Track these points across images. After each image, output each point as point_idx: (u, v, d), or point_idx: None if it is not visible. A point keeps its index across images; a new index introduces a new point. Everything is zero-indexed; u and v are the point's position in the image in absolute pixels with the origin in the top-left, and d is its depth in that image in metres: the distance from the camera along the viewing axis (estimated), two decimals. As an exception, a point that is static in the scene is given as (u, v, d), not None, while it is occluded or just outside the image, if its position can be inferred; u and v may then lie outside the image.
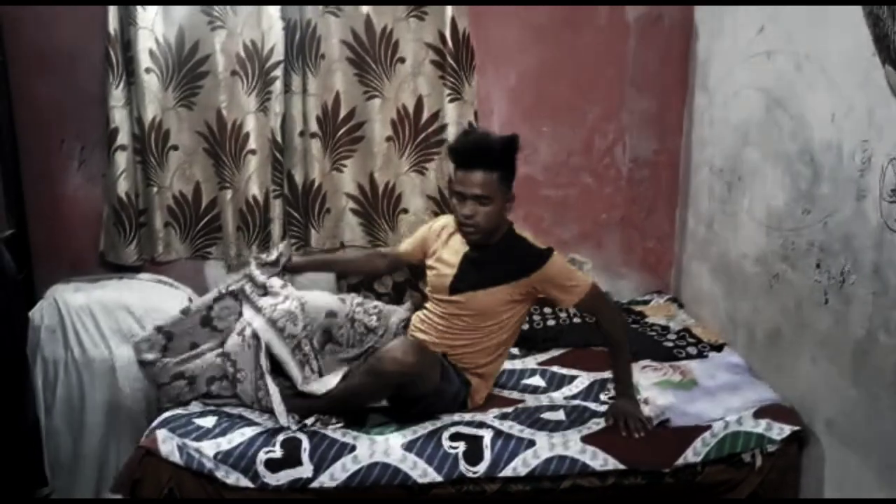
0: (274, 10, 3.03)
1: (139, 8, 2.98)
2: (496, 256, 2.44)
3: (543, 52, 3.30)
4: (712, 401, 2.46)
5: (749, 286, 2.74)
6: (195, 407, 2.41)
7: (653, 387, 2.57)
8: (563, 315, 3.20)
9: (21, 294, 2.76)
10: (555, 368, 2.85)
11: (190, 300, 3.17)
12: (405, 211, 3.39)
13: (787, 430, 2.30)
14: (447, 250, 2.56)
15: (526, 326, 3.10)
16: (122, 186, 3.12)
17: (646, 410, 2.41)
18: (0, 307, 2.42)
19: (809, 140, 2.32)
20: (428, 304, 2.64)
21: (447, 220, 2.65)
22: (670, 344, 2.92)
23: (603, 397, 2.60)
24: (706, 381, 2.59)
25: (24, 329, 2.69)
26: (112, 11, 2.96)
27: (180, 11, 3.04)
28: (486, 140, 2.40)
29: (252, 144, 3.19)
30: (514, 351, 2.95)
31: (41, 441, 2.74)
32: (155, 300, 3.01)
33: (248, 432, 2.26)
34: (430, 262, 2.63)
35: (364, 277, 3.29)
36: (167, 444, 2.17)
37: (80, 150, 3.16)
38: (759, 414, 2.37)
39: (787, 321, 2.47)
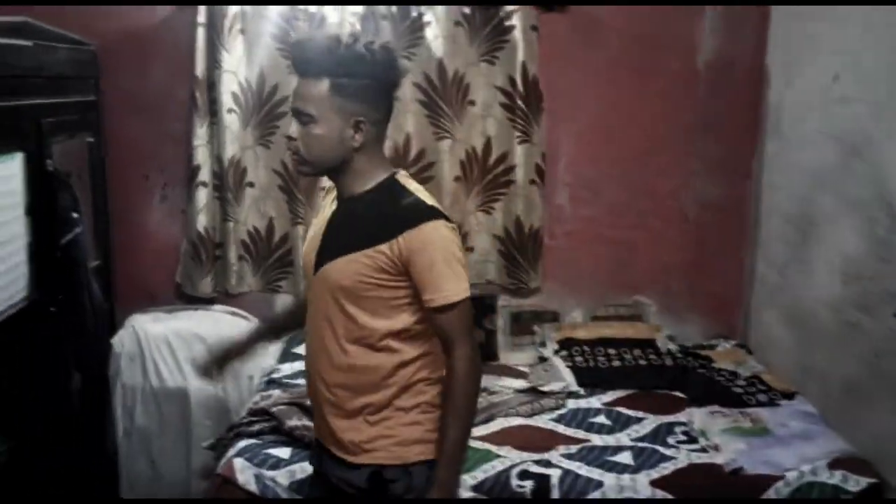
0: (351, 54, 3.14)
1: (224, 52, 3.12)
2: (363, 212, 1.73)
3: (612, 97, 3.34)
4: (786, 449, 2.43)
5: (823, 334, 2.71)
6: (270, 437, 2.47)
7: (723, 433, 2.54)
8: (627, 356, 3.19)
9: (107, 322, 2.88)
10: (620, 409, 2.85)
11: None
12: (471, 250, 3.43)
13: (864, 482, 2.26)
14: (318, 218, 1.86)
15: (591, 364, 3.11)
16: (201, 221, 3.24)
17: (717, 458, 2.39)
18: (89, 334, 2.54)
19: (887, 188, 2.30)
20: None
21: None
22: (740, 390, 2.89)
23: (671, 441, 2.58)
24: (778, 430, 2.56)
25: (107, 356, 2.81)
26: (199, 56, 3.10)
27: (262, 55, 3.17)
28: (314, 39, 1.72)
29: (324, 182, 3.26)
30: (580, 390, 2.96)
31: (118, 464, 2.83)
32: (228, 332, 3.08)
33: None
34: None
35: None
36: (244, 473, 2.23)
37: (163, 186, 3.30)
38: (834, 465, 2.33)
39: (863, 371, 2.43)
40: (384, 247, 1.65)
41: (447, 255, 1.65)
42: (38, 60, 2.41)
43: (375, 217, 1.70)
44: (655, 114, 3.36)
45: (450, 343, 1.69)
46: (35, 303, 2.37)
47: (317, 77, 1.66)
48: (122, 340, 2.98)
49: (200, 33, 3.08)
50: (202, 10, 3.06)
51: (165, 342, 2.98)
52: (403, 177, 1.76)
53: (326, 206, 1.84)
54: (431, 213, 1.67)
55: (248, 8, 3.11)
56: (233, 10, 3.08)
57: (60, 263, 2.48)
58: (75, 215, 2.54)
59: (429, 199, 1.71)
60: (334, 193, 1.80)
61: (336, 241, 1.74)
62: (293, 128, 1.70)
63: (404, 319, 1.71)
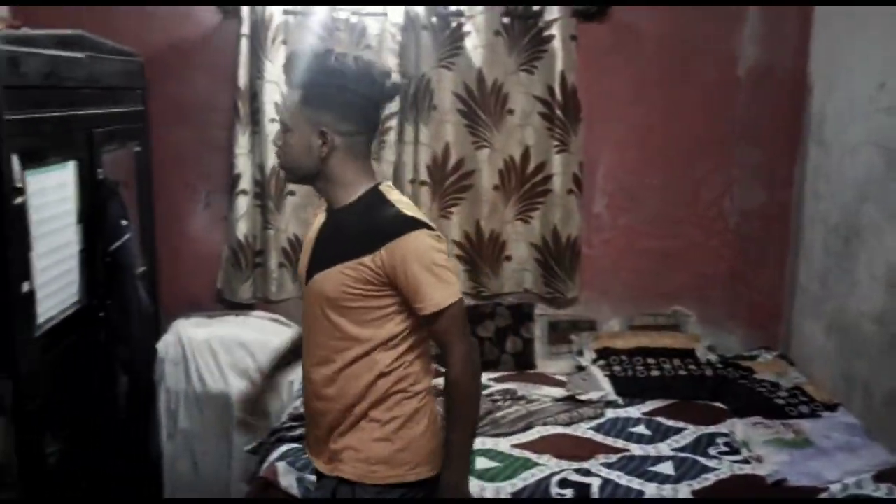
0: (391, 64, 3.17)
1: (267, 62, 3.17)
2: (347, 223, 1.75)
3: (651, 105, 3.34)
4: (829, 461, 2.40)
5: (867, 345, 2.67)
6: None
7: (765, 444, 2.52)
8: (667, 366, 3.17)
9: (153, 327, 2.95)
10: (660, 419, 2.83)
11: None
12: (509, 258, 3.45)
13: (911, 495, 2.22)
14: (311, 230, 1.89)
15: (629, 374, 3.11)
16: (242, 228, 3.29)
17: (760, 470, 2.37)
18: (136, 339, 2.60)
19: (934, 197, 2.27)
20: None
21: None
22: (781, 401, 2.85)
23: (712, 451, 2.56)
24: (821, 441, 2.53)
25: (153, 360, 2.87)
26: (243, 66, 3.16)
27: (304, 65, 3.21)
28: (292, 52, 1.81)
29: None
30: (619, 400, 2.95)
31: (162, 466, 2.88)
32: (269, 338, 3.14)
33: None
34: None
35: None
36: (286, 477, 2.26)
37: (206, 194, 3.36)
38: (879, 478, 2.30)
39: (909, 382, 2.40)
40: (367, 259, 1.67)
41: (430, 263, 1.66)
42: (91, 72, 2.47)
43: (358, 229, 1.72)
44: (695, 122, 3.35)
45: (445, 348, 1.70)
46: (85, 308, 2.44)
47: (293, 88, 1.74)
48: (166, 345, 3.03)
49: (244, 44, 3.14)
50: (246, 21, 3.12)
51: (208, 347, 3.03)
52: (387, 188, 1.77)
53: (318, 218, 1.86)
54: (412, 224, 1.68)
55: (290, 19, 3.17)
56: (276, 21, 3.14)
57: (109, 269, 2.54)
58: (124, 223, 2.61)
59: (409, 210, 1.73)
60: (325, 206, 1.82)
61: (324, 253, 1.77)
62: (276, 135, 1.78)
63: (389, 329, 1.71)
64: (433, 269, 1.66)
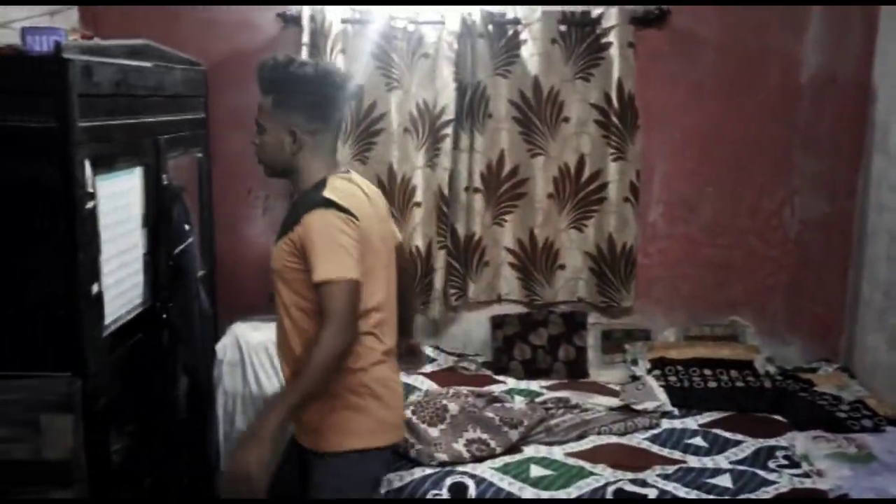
0: (448, 72, 3.20)
1: (326, 70, 3.22)
2: (293, 206, 2.00)
3: (710, 113, 3.30)
4: (894, 477, 2.34)
5: (934, 359, 2.60)
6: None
7: (826, 458, 2.47)
8: (724, 378, 3.12)
9: (212, 330, 3.01)
10: (717, 431, 2.79)
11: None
12: (562, 267, 3.44)
13: (981, 514, 2.15)
14: None
15: (685, 384, 3.07)
16: (299, 234, 3.33)
17: (821, 484, 2.32)
18: (196, 341, 2.65)
19: None
20: None
21: None
22: (843, 415, 2.79)
23: (772, 465, 2.52)
24: (885, 456, 2.47)
25: (212, 362, 2.93)
26: (302, 73, 3.21)
27: (361, 73, 3.25)
28: (262, 62, 1.99)
29: (418, 197, 3.34)
30: (674, 411, 2.92)
31: (219, 467, 2.93)
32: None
33: (418, 472, 2.34)
34: None
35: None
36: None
37: (265, 199, 3.42)
38: (948, 496, 2.23)
39: (980, 398, 2.33)
40: (292, 234, 1.86)
41: (327, 237, 1.82)
42: (157, 80, 2.54)
43: (294, 209, 1.93)
44: (755, 130, 3.30)
45: (323, 319, 1.79)
46: (149, 309, 2.50)
47: (265, 94, 1.96)
48: (224, 348, 3.09)
49: (304, 53, 3.19)
50: (306, 30, 3.17)
51: (265, 350, 3.08)
52: (336, 177, 1.95)
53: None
54: (322, 203, 1.85)
55: (349, 27, 3.21)
56: (335, 30, 3.18)
57: (172, 273, 2.60)
58: (186, 227, 2.67)
59: (331, 194, 1.87)
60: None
61: (279, 233, 1.96)
62: (253, 135, 2.01)
63: (315, 299, 1.84)
64: (329, 243, 1.81)
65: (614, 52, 3.19)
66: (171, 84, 2.69)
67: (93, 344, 2.09)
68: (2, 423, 2.00)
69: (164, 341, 2.59)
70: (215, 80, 3.22)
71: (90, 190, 2.06)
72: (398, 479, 2.34)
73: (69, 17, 3.06)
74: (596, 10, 3.20)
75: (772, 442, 2.66)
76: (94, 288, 2.10)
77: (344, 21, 3.20)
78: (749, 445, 2.67)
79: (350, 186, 1.95)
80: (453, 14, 3.17)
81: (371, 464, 1.96)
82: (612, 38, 3.19)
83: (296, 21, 3.22)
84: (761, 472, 2.44)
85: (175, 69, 2.74)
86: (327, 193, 1.87)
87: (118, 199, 2.31)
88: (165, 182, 2.57)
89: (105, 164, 2.18)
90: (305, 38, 3.18)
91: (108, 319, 2.21)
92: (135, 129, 2.37)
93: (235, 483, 1.68)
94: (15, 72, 1.97)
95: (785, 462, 2.53)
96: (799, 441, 2.61)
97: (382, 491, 2.23)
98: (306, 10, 3.17)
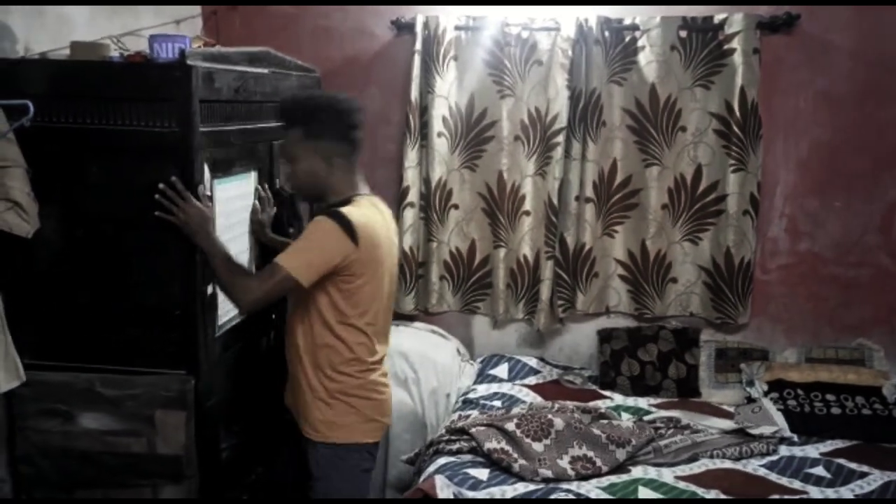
0: (561, 80, 3.14)
1: (437, 77, 3.22)
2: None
3: (841, 123, 3.12)
4: None
5: None
6: (467, 456, 2.49)
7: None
8: (849, 404, 2.93)
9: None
10: (841, 461, 2.62)
11: (458, 351, 3.33)
12: (674, 280, 3.31)
13: None
14: None
15: (805, 409, 2.90)
16: (407, 240, 3.34)
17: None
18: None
19: None
20: None
21: None
22: None
23: (903, 503, 2.34)
24: None
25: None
26: (415, 81, 3.23)
27: (473, 80, 3.24)
28: (283, 99, 2.32)
29: (528, 206, 3.30)
30: (793, 437, 2.77)
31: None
32: (428, 349, 3.18)
33: (521, 488, 2.30)
34: None
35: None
36: (444, 491, 2.26)
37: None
38: None
39: None
40: None
41: (311, 239, 2.06)
42: (274, 87, 2.59)
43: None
44: (887, 141, 3.10)
45: (258, 278, 2.08)
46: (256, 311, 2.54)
47: (292, 126, 2.13)
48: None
49: (416, 60, 3.21)
50: (419, 37, 3.18)
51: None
52: (360, 197, 2.15)
53: None
54: (329, 213, 2.05)
55: (462, 35, 3.20)
56: (448, 37, 3.18)
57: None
58: (290, 230, 2.71)
59: (344, 208, 2.06)
60: None
61: None
62: (285, 168, 2.23)
63: (324, 302, 2.09)
64: (308, 242, 2.06)
65: (738, 58, 3.05)
66: (286, 90, 2.73)
67: (206, 344, 2.14)
68: (122, 417, 2.07)
69: (271, 343, 2.63)
70: (329, 86, 3.25)
71: (209, 193, 2.11)
72: (499, 493, 2.30)
73: (194, 25, 3.18)
74: (719, 16, 3.07)
75: (902, 477, 2.47)
76: (209, 289, 2.15)
77: (457, 28, 3.20)
78: (876, 478, 2.50)
79: (371, 211, 2.14)
80: (568, 19, 3.11)
81: (356, 455, 2.19)
82: (735, 44, 3.05)
83: (409, 28, 3.24)
84: (891, 510, 2.27)
85: (291, 75, 2.79)
86: (343, 208, 2.06)
87: (233, 202, 2.37)
88: (278, 186, 2.62)
89: (222, 168, 2.24)
90: (418, 46, 3.20)
91: (220, 320, 2.26)
92: (252, 133, 2.42)
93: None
94: (143, 78, 2.04)
95: (917, 499, 2.34)
96: (933, 477, 2.42)
97: None
98: (420, 18, 3.19)
